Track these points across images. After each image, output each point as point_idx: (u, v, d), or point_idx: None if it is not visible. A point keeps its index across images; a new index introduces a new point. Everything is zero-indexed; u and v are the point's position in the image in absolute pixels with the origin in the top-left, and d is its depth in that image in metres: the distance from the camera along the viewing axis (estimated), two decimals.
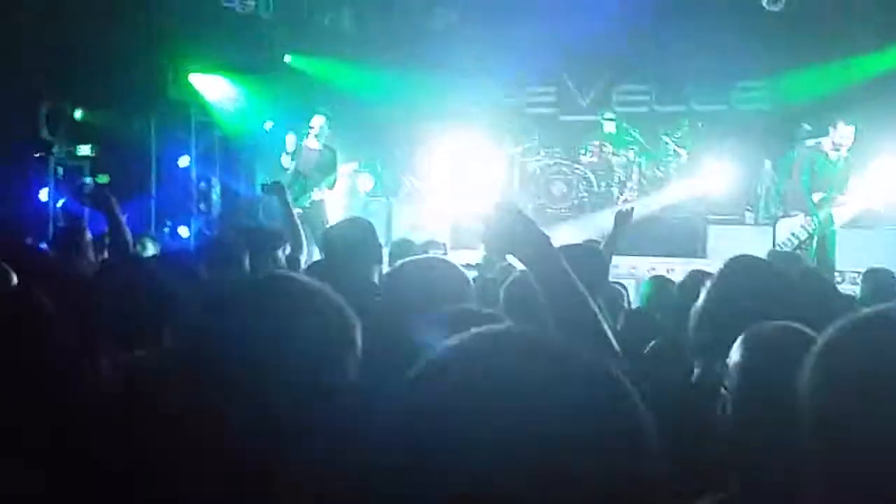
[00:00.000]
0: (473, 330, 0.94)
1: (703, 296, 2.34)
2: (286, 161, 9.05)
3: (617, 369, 0.93)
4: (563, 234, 8.40)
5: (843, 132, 7.46)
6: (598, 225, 9.43)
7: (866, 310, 1.15)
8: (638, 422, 0.89)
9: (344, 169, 9.91)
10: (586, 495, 0.84)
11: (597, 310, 1.85)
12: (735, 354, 1.72)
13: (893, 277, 5.31)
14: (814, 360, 1.11)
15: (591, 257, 4.35)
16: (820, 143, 7.72)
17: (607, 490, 0.84)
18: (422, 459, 0.85)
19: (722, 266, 2.43)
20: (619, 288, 4.78)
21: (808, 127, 8.49)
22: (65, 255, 4.06)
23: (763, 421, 1.56)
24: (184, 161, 10.49)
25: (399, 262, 2.66)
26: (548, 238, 1.83)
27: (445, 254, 7.83)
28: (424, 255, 3.04)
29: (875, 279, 5.25)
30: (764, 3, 9.92)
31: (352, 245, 3.63)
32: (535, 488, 0.82)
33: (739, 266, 2.44)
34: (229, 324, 1.35)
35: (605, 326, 1.86)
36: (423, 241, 7.12)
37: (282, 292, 1.43)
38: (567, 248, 4.07)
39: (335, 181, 9.24)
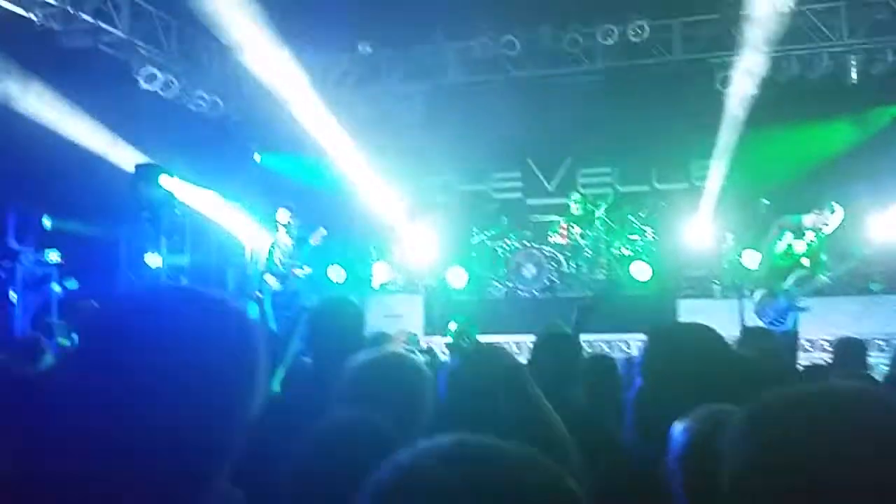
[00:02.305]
0: (422, 446, 0.96)
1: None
2: (271, 280, 9.14)
3: (571, 482, 0.96)
4: (536, 316, 8.48)
5: (826, 218, 7.57)
6: (571, 305, 9.52)
7: (788, 389, 1.17)
8: None
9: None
10: None
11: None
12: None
13: (862, 345, 5.38)
14: (733, 431, 1.14)
15: (563, 341, 4.40)
16: (800, 222, 7.80)
17: None
18: None
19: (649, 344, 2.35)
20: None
21: (766, 202, 8.69)
22: (20, 362, 4.00)
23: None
24: (153, 259, 10.48)
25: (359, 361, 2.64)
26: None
27: (417, 342, 7.85)
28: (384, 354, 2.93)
29: (845, 347, 5.33)
30: (717, 85, 10.32)
31: (338, 333, 3.53)
32: None
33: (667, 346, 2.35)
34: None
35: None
36: (396, 331, 7.14)
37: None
38: (540, 339, 4.13)
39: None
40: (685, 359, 2.18)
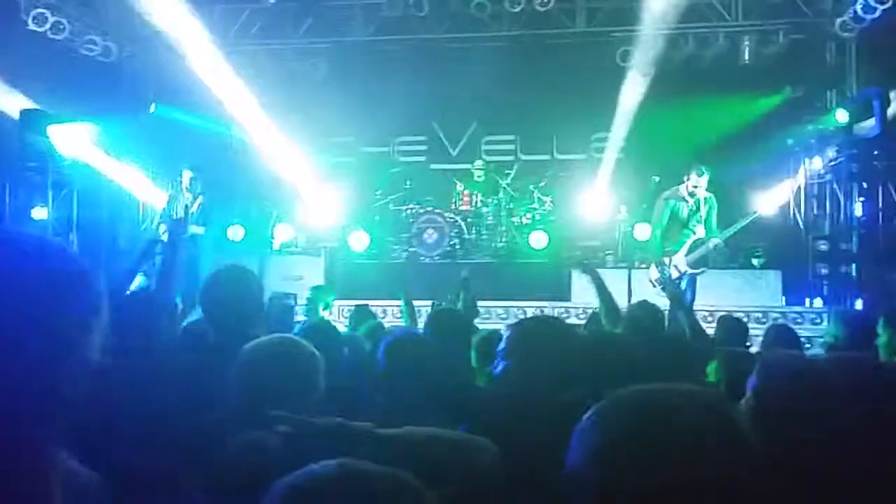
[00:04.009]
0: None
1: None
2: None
3: None
4: (436, 282, 8.59)
5: (694, 181, 7.99)
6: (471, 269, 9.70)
7: (634, 387, 1.24)
8: None
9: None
10: None
11: None
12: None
13: (742, 323, 5.64)
14: (580, 427, 1.22)
15: (451, 318, 4.49)
16: (677, 190, 8.20)
17: None
18: None
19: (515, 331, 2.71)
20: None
21: (656, 178, 9.03)
22: None
23: None
24: (39, 213, 10.00)
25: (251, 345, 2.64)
26: None
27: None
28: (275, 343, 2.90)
29: (725, 326, 5.55)
30: (618, 60, 10.55)
31: (234, 304, 3.46)
32: None
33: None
34: None
35: None
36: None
37: None
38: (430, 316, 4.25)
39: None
40: (542, 345, 2.60)
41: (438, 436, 2.11)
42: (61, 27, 10.26)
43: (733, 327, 5.48)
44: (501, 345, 2.70)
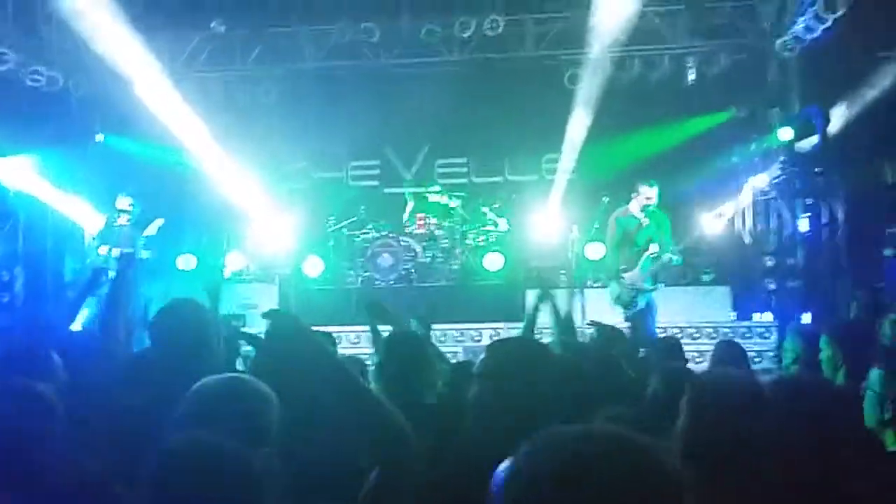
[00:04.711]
0: None
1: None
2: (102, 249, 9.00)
3: None
4: (393, 305, 8.56)
5: (646, 193, 8.09)
6: (427, 294, 9.73)
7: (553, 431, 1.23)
8: None
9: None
10: None
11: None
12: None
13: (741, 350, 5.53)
14: (506, 469, 1.22)
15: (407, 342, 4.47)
16: (627, 209, 8.30)
17: None
18: None
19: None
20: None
21: (605, 198, 9.16)
22: None
23: None
24: None
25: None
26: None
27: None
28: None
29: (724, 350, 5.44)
30: (566, 82, 10.70)
31: (183, 339, 3.44)
32: None
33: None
34: None
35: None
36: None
37: None
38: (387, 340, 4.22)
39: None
40: (516, 367, 2.47)
41: None
42: (6, 58, 10.08)
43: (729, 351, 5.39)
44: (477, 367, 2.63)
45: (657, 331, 8.23)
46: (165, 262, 10.28)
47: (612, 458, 1.16)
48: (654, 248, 8.14)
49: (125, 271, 4.27)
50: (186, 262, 10.71)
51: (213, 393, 2.51)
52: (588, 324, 5.54)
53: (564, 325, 4.69)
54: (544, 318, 4.72)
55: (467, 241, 11.17)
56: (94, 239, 9.16)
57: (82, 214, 10.95)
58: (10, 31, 10.17)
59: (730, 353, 5.11)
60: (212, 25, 11.07)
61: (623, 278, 8.19)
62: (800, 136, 10.17)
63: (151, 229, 9.21)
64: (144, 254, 9.03)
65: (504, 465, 1.24)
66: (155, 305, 6.34)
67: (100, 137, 11.19)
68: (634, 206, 8.24)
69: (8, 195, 9.75)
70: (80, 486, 2.41)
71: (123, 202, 9.27)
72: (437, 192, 11.40)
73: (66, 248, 11.00)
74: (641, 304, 8.14)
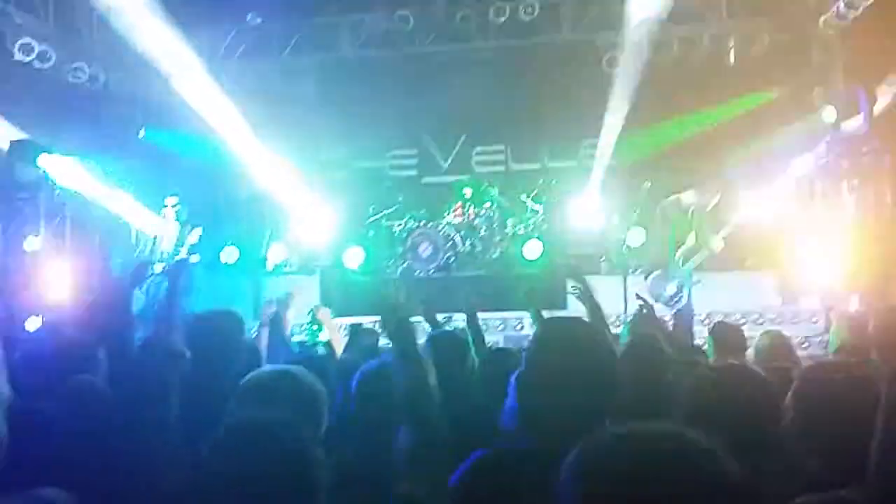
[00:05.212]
0: None
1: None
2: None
3: None
4: (433, 295, 8.59)
5: (717, 197, 7.98)
6: (466, 284, 9.73)
7: (614, 429, 1.26)
8: None
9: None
10: None
11: None
12: None
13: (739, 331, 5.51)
14: (565, 467, 1.24)
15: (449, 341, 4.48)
16: (679, 199, 8.19)
17: None
18: None
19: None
20: None
21: (647, 184, 9.05)
22: None
23: None
24: (34, 244, 9.97)
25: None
26: None
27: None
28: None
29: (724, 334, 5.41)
30: (604, 66, 10.56)
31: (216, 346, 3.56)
32: None
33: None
34: None
35: None
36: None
37: None
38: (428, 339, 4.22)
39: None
40: (568, 351, 2.20)
41: None
42: (48, 56, 10.24)
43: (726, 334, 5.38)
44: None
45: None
46: (207, 256, 10.40)
47: (680, 459, 1.19)
48: (691, 238, 8.06)
49: (179, 277, 4.32)
50: (229, 255, 10.82)
51: (269, 380, 2.66)
52: (636, 297, 5.43)
53: (596, 314, 4.61)
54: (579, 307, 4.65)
55: (506, 230, 11.13)
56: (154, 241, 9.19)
57: (127, 209, 11.12)
58: (51, 29, 10.34)
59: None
60: (248, 18, 11.15)
61: (661, 271, 8.12)
62: (844, 116, 9.92)
63: (193, 238, 9.25)
64: (194, 258, 9.10)
65: (572, 459, 1.25)
66: (198, 299, 6.40)
67: (142, 133, 11.31)
68: (688, 198, 8.12)
69: (55, 191, 9.92)
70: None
71: (170, 205, 9.29)
72: (472, 186, 11.37)
73: (113, 243, 11.18)
74: (684, 299, 8.05)
